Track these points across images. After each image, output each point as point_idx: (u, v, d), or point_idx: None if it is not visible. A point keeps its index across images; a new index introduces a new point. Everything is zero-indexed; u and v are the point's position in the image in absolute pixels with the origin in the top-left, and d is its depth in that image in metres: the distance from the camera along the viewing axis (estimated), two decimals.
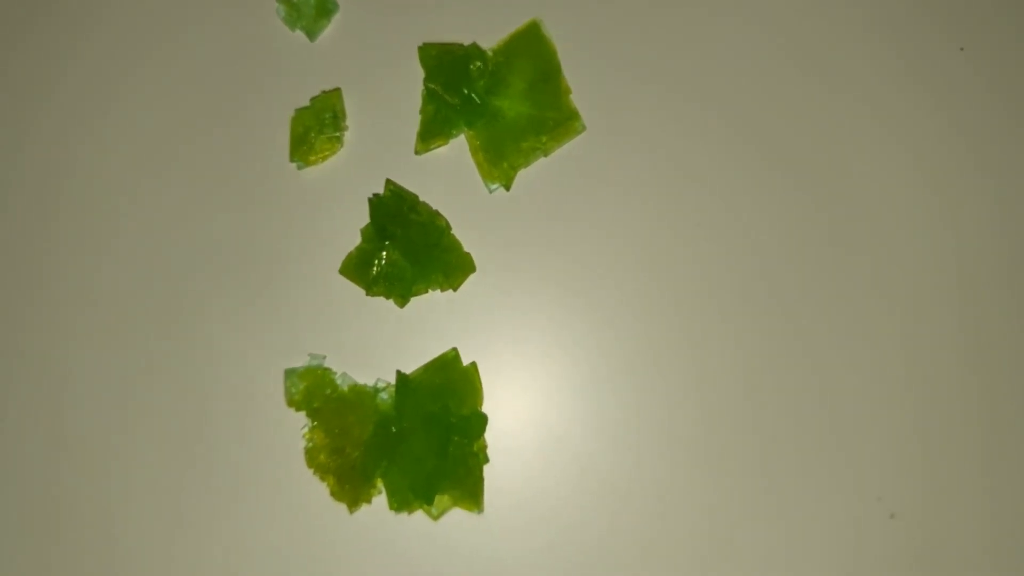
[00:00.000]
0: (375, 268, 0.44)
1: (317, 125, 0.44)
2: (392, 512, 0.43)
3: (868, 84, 0.46)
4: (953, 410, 0.44)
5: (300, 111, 0.45)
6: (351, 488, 0.43)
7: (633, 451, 0.44)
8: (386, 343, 0.44)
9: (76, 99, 0.46)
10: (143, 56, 0.46)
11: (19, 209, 0.45)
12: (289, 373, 0.44)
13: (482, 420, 0.43)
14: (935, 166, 0.46)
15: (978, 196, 0.46)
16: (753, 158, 0.45)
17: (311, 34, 0.45)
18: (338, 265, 0.44)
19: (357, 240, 0.44)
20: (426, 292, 0.44)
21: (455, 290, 0.44)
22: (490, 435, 0.44)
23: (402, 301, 0.44)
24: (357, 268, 0.44)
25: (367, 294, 0.44)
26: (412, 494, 0.42)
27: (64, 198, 0.45)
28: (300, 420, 0.44)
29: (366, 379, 0.44)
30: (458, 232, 0.45)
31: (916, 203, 0.46)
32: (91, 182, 0.45)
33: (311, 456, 0.43)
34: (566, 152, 0.45)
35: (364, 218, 0.44)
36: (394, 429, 0.42)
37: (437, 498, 0.42)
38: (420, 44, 0.45)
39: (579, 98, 0.45)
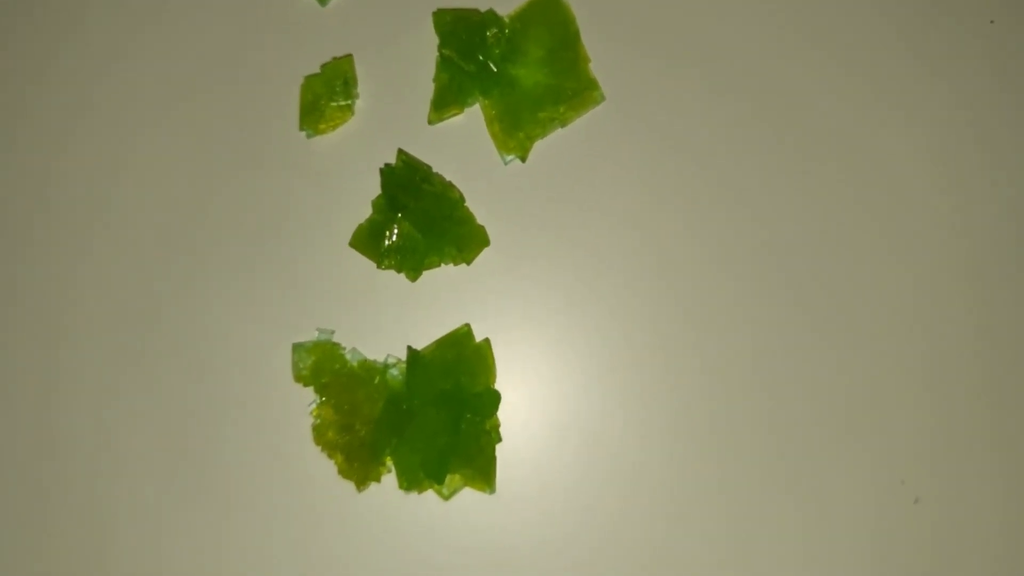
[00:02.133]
0: (386, 240, 0.42)
1: (328, 93, 0.43)
2: (402, 491, 0.42)
3: (895, 55, 0.45)
4: (977, 393, 0.43)
5: (310, 78, 0.43)
6: (360, 466, 0.41)
7: (648, 430, 0.43)
8: (397, 318, 0.43)
9: (82, 65, 0.45)
10: (149, 20, 0.45)
11: (25, 177, 0.44)
12: (297, 348, 0.42)
13: (495, 398, 0.42)
14: (963, 146, 0.44)
15: (1008, 176, 0.44)
16: (774, 130, 0.44)
17: None
18: (348, 237, 0.43)
19: (368, 212, 0.43)
20: (438, 266, 0.43)
21: (468, 264, 0.43)
22: (502, 413, 0.42)
23: (414, 275, 0.43)
24: (368, 240, 0.43)
25: (378, 267, 0.43)
26: (423, 473, 0.41)
27: (70, 168, 0.44)
28: (308, 396, 0.42)
29: (376, 355, 0.43)
30: (472, 204, 0.43)
31: (941, 185, 0.44)
32: (97, 151, 0.44)
33: (319, 433, 0.42)
34: (584, 123, 0.44)
35: (375, 189, 0.43)
36: (405, 406, 0.41)
37: (448, 477, 0.41)
38: (434, 10, 0.43)
39: (598, 67, 0.44)
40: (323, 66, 0.44)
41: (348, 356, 0.42)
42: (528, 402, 0.43)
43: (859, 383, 0.43)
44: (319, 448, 0.42)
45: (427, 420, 0.41)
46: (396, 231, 0.42)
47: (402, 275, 0.43)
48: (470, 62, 0.43)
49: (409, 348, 0.42)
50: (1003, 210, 0.44)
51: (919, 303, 0.44)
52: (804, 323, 0.43)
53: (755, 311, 0.43)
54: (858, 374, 0.43)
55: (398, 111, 0.44)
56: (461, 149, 0.44)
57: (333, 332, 0.43)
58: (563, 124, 0.44)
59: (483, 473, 0.42)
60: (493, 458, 0.42)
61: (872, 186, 0.44)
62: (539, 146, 0.44)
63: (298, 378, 0.42)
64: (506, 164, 0.44)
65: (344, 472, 0.42)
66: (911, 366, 0.43)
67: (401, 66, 0.44)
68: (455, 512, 0.42)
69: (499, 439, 0.42)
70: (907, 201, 0.44)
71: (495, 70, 0.43)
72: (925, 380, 0.43)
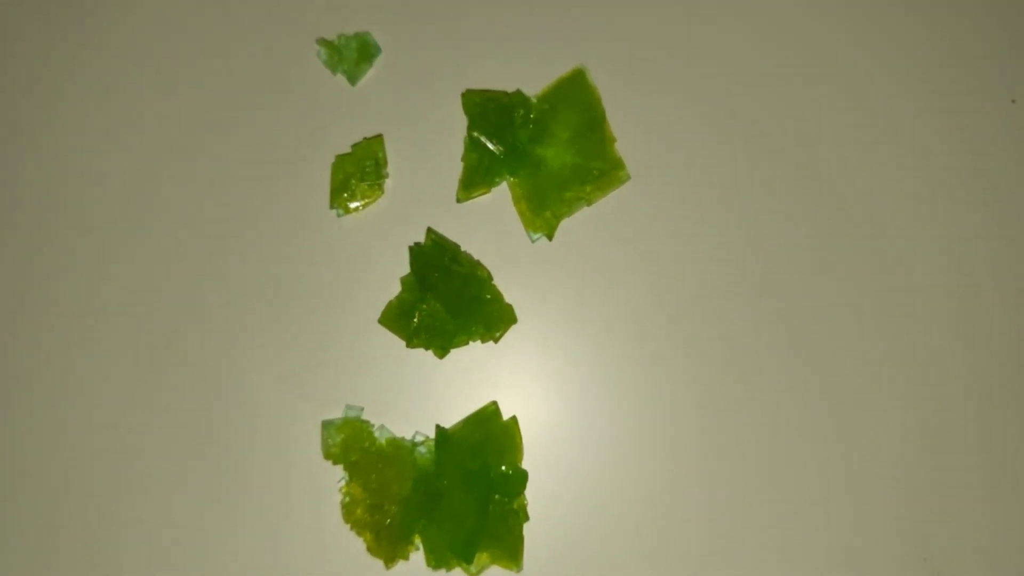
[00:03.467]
0: (415, 320, 0.43)
1: (358, 172, 0.44)
2: (430, 569, 0.42)
3: (921, 137, 0.45)
4: (999, 470, 0.44)
5: (341, 157, 0.44)
6: (388, 544, 0.42)
7: (679, 512, 0.43)
8: (425, 395, 0.44)
9: (113, 142, 0.45)
10: (182, 99, 0.45)
11: (53, 250, 0.45)
12: (326, 425, 0.43)
13: (523, 477, 0.42)
14: (988, 218, 0.45)
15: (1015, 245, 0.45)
16: (803, 210, 0.45)
17: (353, 78, 0.45)
18: (377, 315, 0.43)
19: (397, 289, 0.44)
20: (466, 343, 0.44)
21: (496, 341, 0.44)
22: (530, 491, 0.43)
23: (442, 352, 0.43)
24: (397, 318, 0.43)
25: (407, 345, 0.43)
26: (451, 552, 0.41)
27: (101, 241, 0.45)
28: (337, 473, 0.43)
29: (404, 431, 0.43)
30: (499, 282, 0.44)
31: (963, 260, 0.45)
32: (127, 226, 0.45)
33: (348, 511, 0.42)
34: (610, 202, 0.44)
35: (404, 267, 0.44)
36: (433, 486, 0.42)
37: (476, 556, 0.42)
38: (463, 90, 0.44)
39: (624, 147, 0.44)
40: (354, 146, 0.44)
41: (377, 433, 0.43)
42: (555, 480, 0.43)
43: (881, 459, 0.44)
44: (348, 526, 0.42)
45: (456, 501, 0.41)
46: (425, 310, 0.43)
47: (430, 352, 0.43)
48: (499, 143, 0.43)
49: (437, 427, 0.42)
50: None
51: (939, 383, 0.44)
52: (829, 399, 0.44)
53: (786, 387, 0.44)
54: (880, 450, 0.44)
55: (427, 190, 0.44)
56: (489, 227, 0.44)
57: (362, 409, 0.43)
58: (589, 203, 0.44)
59: (510, 552, 0.42)
60: (520, 537, 0.42)
61: (910, 276, 0.44)
62: (565, 224, 0.44)
63: (327, 455, 0.43)
64: (533, 242, 0.44)
65: (373, 550, 0.42)
66: (934, 441, 0.44)
67: (430, 146, 0.45)
68: None
69: (526, 518, 0.42)
70: (937, 267, 0.45)
71: (523, 150, 0.43)
72: (948, 456, 0.44)
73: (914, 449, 0.44)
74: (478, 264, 0.44)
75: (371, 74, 0.45)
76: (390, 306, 0.43)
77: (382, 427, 0.43)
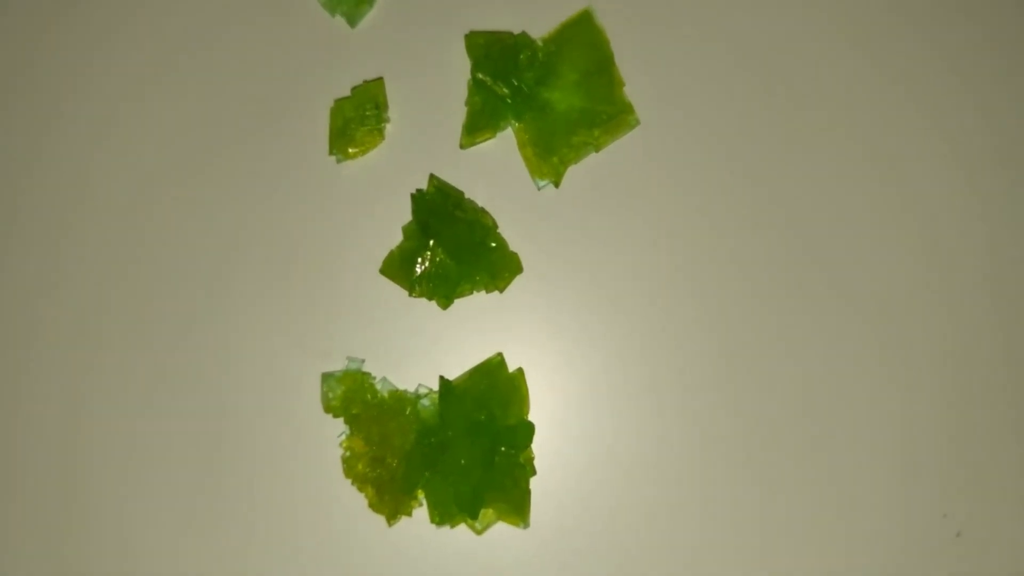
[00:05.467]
0: (418, 267, 0.41)
1: (358, 117, 0.42)
2: (433, 525, 0.41)
3: (934, 84, 0.44)
4: (1019, 425, 0.42)
5: (340, 102, 0.43)
6: (391, 499, 0.41)
7: (685, 464, 0.42)
8: (428, 346, 0.42)
9: (111, 85, 0.44)
10: (179, 42, 0.44)
11: (53, 200, 0.43)
12: (326, 377, 0.41)
13: (529, 430, 0.41)
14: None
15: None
16: (811, 154, 0.43)
17: (352, 20, 0.43)
18: (379, 264, 0.42)
19: (399, 238, 0.42)
20: (471, 293, 0.42)
21: (501, 291, 0.42)
22: (536, 445, 0.41)
23: (445, 302, 0.42)
24: (399, 268, 0.42)
25: (409, 295, 0.42)
26: (456, 507, 0.40)
27: (98, 189, 0.43)
28: (337, 427, 0.42)
29: (407, 384, 0.42)
30: (505, 231, 0.42)
31: (983, 218, 0.43)
32: (125, 173, 0.44)
33: (349, 465, 0.41)
34: (619, 147, 0.43)
35: (406, 215, 0.42)
36: (437, 438, 0.40)
37: (481, 512, 0.40)
38: (467, 32, 0.42)
39: (633, 91, 0.43)
40: (353, 89, 0.43)
41: (379, 386, 0.42)
42: (563, 434, 0.42)
43: (902, 417, 0.42)
44: (349, 481, 0.41)
45: (460, 453, 0.40)
46: (428, 258, 0.41)
47: (433, 303, 0.42)
48: (504, 85, 0.42)
49: (441, 378, 0.41)
50: None
51: (959, 338, 0.43)
52: (846, 356, 0.43)
53: (795, 341, 0.42)
54: (901, 408, 0.42)
55: (429, 135, 0.43)
56: (494, 174, 0.43)
57: (363, 361, 0.42)
58: (597, 149, 0.43)
59: (517, 507, 0.41)
60: (527, 492, 0.41)
61: (919, 212, 0.43)
62: (573, 171, 0.43)
63: (328, 408, 0.41)
64: (539, 189, 0.43)
65: (375, 506, 0.41)
66: (953, 399, 0.43)
67: (432, 89, 0.43)
68: (488, 546, 0.41)
69: (533, 472, 0.41)
70: (950, 229, 0.43)
71: (529, 94, 0.42)
72: (967, 413, 0.42)
73: (933, 405, 0.43)
74: (483, 211, 0.42)
75: (371, 15, 0.44)
76: (392, 255, 0.42)
77: (384, 380, 0.42)
